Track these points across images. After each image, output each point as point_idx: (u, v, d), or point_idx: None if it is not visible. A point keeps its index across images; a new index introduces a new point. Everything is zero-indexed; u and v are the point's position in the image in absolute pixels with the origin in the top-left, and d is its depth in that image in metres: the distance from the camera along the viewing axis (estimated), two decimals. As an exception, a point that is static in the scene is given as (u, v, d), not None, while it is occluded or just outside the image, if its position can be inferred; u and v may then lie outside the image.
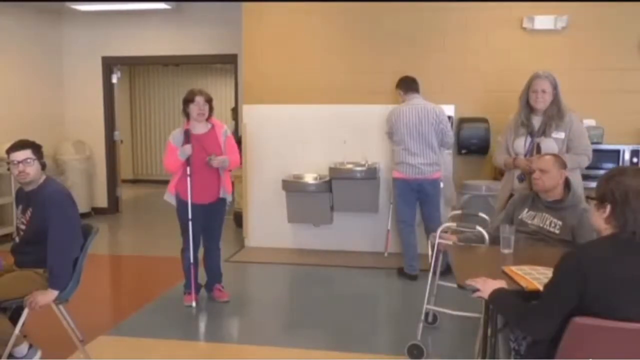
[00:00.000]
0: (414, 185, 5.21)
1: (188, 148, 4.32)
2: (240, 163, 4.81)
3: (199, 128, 4.41)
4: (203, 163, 4.34)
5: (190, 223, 4.43)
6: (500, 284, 2.38)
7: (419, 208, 5.36)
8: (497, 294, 2.32)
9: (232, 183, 4.88)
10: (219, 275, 4.71)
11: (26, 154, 3.28)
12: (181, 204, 4.45)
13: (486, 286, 2.36)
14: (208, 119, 4.44)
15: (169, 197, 4.52)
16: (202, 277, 4.70)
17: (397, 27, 6.03)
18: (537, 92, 3.90)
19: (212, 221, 4.55)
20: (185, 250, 4.53)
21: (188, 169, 4.36)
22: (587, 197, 2.21)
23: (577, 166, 3.86)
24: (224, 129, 4.52)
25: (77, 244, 3.34)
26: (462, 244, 3.44)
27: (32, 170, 3.29)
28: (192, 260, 4.51)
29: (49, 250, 3.21)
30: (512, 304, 2.25)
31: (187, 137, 4.37)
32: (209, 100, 4.39)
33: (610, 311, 1.93)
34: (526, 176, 3.97)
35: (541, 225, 3.28)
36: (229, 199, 4.59)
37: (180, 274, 4.64)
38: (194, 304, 4.51)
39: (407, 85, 5.36)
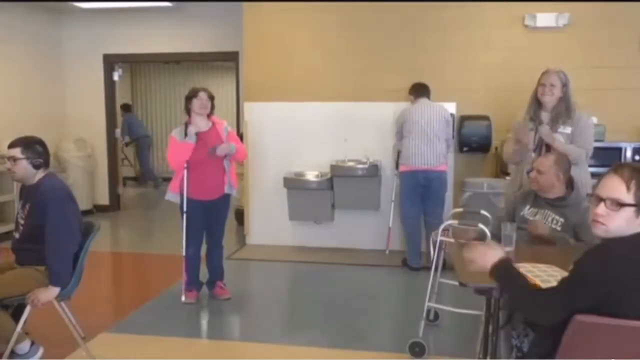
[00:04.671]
0: (420, 177, 5.30)
1: (191, 130, 4.31)
2: (247, 154, 4.80)
3: (201, 125, 4.41)
4: (207, 159, 4.34)
5: (195, 220, 4.42)
6: (499, 253, 2.20)
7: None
8: (502, 268, 2.15)
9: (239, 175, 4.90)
10: (221, 272, 4.71)
11: (14, 152, 3.28)
12: (189, 203, 4.41)
13: (486, 258, 2.18)
14: (209, 117, 4.46)
15: (172, 196, 4.50)
16: (202, 275, 4.69)
17: (398, 24, 6.02)
18: (546, 85, 3.91)
19: (216, 218, 4.54)
20: (188, 247, 4.51)
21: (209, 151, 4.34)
22: (589, 195, 2.10)
23: (575, 157, 3.77)
24: (225, 125, 4.53)
25: (75, 241, 3.33)
26: (464, 241, 3.43)
27: (18, 169, 3.29)
28: (195, 258, 4.52)
29: (47, 246, 3.21)
30: (521, 284, 2.11)
31: (187, 130, 4.36)
32: (211, 97, 4.44)
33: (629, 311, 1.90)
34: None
35: (543, 222, 3.28)
36: (234, 193, 4.59)
37: (181, 271, 4.63)
38: (194, 301, 4.51)
39: (418, 91, 5.57)
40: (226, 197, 4.53)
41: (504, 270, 2.14)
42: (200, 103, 4.37)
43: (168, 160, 4.52)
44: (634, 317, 1.89)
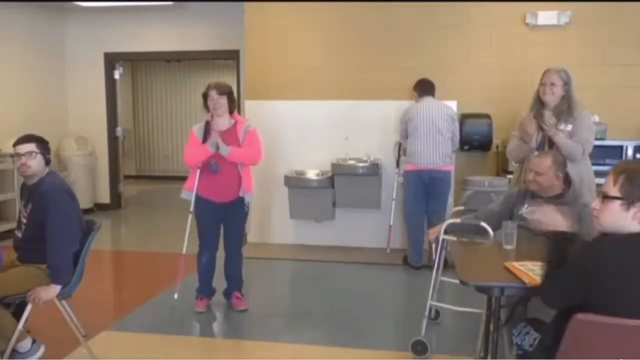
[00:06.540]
0: (425, 177, 5.30)
1: (213, 139, 4.09)
2: (259, 158, 4.36)
3: (221, 124, 4.17)
4: (224, 160, 4.13)
5: (206, 222, 4.27)
6: (566, 223, 2.30)
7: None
8: (558, 240, 2.23)
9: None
10: (240, 281, 4.50)
11: (30, 147, 3.30)
12: (201, 203, 4.26)
13: (556, 217, 2.32)
14: (232, 115, 4.24)
15: (187, 194, 4.28)
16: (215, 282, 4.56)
17: (399, 23, 6.02)
18: (546, 85, 3.91)
19: (232, 223, 4.34)
20: (202, 254, 4.34)
21: (211, 165, 4.14)
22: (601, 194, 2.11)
23: (571, 151, 3.77)
24: (245, 124, 4.27)
25: (75, 238, 3.33)
26: (466, 239, 3.43)
27: (34, 163, 3.30)
28: (209, 266, 4.37)
29: (47, 244, 3.21)
30: (552, 258, 2.18)
31: (207, 130, 4.16)
32: (223, 93, 4.13)
33: (623, 309, 1.91)
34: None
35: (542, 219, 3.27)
36: (247, 198, 4.29)
37: (183, 269, 4.61)
38: (204, 310, 4.37)
39: (422, 88, 5.53)
40: (240, 201, 4.27)
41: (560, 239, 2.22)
42: (212, 103, 4.13)
43: (185, 154, 4.29)
44: (623, 314, 1.90)
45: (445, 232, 3.51)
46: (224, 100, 4.15)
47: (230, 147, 4.11)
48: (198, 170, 4.22)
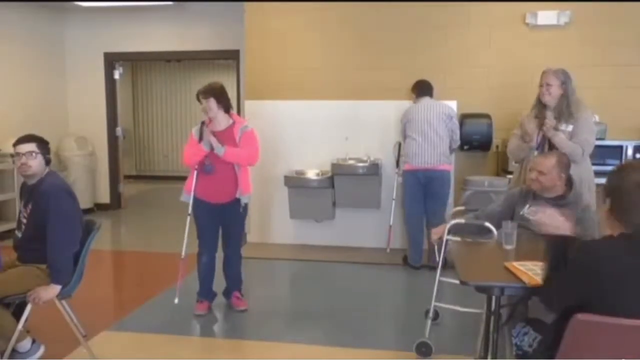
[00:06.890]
0: (420, 176, 5.32)
1: (207, 139, 4.09)
2: (256, 159, 4.32)
3: (219, 124, 4.19)
4: (219, 160, 4.12)
5: (204, 223, 4.25)
6: (568, 226, 2.33)
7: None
8: (558, 242, 2.25)
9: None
10: (239, 282, 4.50)
11: (31, 147, 3.31)
12: (197, 203, 4.25)
13: (558, 220, 2.34)
14: (230, 114, 4.24)
15: (186, 197, 4.27)
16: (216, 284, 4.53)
17: (399, 23, 6.02)
18: (543, 85, 3.93)
19: (230, 224, 4.33)
20: (201, 254, 4.33)
21: (205, 165, 4.13)
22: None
23: (571, 153, 3.75)
24: (243, 124, 4.25)
25: (76, 238, 3.34)
26: (470, 240, 3.42)
27: (35, 163, 3.30)
28: (208, 267, 4.34)
29: (48, 244, 3.22)
30: (552, 263, 2.21)
31: (203, 131, 4.16)
32: (208, 96, 4.10)
33: (622, 309, 1.92)
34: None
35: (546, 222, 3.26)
36: (244, 200, 4.26)
37: (182, 273, 4.60)
38: (205, 313, 4.34)
39: (420, 89, 5.57)
40: (237, 202, 4.25)
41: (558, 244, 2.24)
42: (202, 108, 4.16)
43: (184, 155, 4.31)
44: (622, 314, 1.91)
45: (449, 233, 3.50)
46: (211, 103, 4.11)
47: (225, 146, 4.10)
48: (195, 171, 4.22)
